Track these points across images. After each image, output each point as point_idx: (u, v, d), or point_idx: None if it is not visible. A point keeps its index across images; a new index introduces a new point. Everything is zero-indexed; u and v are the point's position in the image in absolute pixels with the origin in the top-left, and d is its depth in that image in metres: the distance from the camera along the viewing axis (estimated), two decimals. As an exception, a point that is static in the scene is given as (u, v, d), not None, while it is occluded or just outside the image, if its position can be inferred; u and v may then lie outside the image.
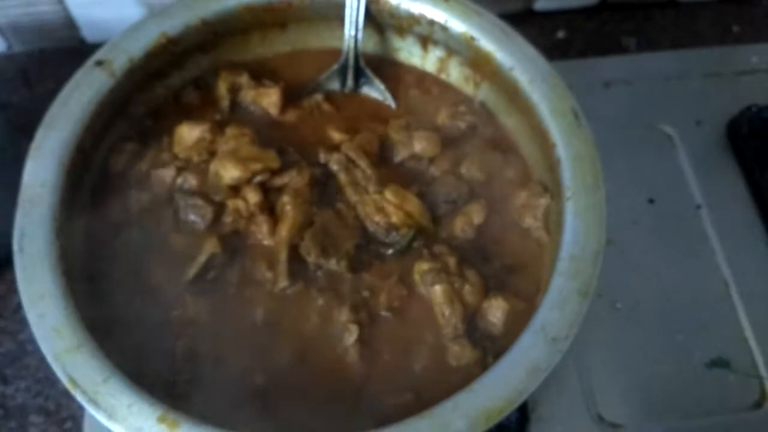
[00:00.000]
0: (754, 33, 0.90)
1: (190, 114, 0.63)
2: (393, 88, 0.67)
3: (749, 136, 0.76)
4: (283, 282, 0.56)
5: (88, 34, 0.86)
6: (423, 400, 0.50)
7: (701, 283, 0.70)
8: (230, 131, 0.60)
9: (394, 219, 0.58)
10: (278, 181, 0.59)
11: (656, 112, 0.79)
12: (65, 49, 0.86)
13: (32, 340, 0.68)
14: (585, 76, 0.80)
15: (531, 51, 0.61)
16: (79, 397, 0.47)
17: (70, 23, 0.84)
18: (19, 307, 0.70)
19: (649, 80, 0.82)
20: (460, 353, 0.54)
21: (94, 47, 0.60)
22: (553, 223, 0.58)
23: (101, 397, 0.46)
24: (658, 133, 0.78)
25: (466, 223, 0.59)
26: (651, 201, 0.74)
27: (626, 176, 0.73)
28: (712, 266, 0.71)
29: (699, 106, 0.80)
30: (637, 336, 0.67)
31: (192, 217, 0.58)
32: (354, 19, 0.64)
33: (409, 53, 0.68)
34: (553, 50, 0.62)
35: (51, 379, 0.68)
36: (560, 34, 0.90)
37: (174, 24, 0.61)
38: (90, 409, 0.46)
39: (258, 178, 0.59)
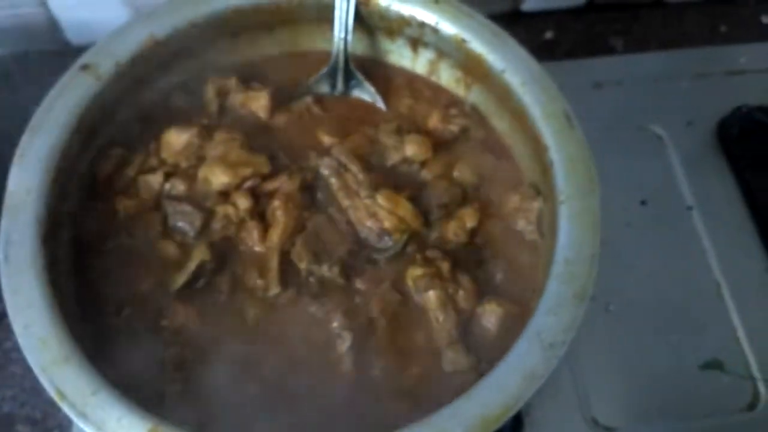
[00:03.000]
0: (742, 33, 0.91)
1: (178, 118, 0.62)
2: (383, 91, 0.66)
3: (739, 137, 0.77)
4: (274, 289, 0.55)
5: (72, 37, 0.85)
6: (418, 407, 0.49)
7: (694, 285, 0.70)
8: (219, 136, 0.60)
9: (387, 224, 0.57)
10: (268, 186, 0.59)
11: (646, 113, 0.79)
12: (49, 52, 0.85)
13: (18, 349, 0.67)
14: (574, 77, 0.80)
15: (522, 53, 0.61)
16: (68, 410, 0.46)
17: (53, 25, 0.83)
18: (3, 315, 0.69)
19: (639, 81, 0.82)
20: (455, 359, 0.54)
21: (79, 49, 0.59)
22: (547, 226, 0.58)
23: (90, 409, 0.46)
24: (648, 134, 0.78)
25: (459, 227, 0.59)
26: (643, 203, 0.74)
27: (618, 178, 0.72)
28: (704, 267, 0.71)
29: (689, 107, 0.80)
30: (631, 338, 0.68)
31: (181, 223, 0.57)
32: (343, 21, 0.63)
33: (400, 55, 0.68)
34: (541, 51, 0.62)
35: (37, 389, 0.66)
36: (548, 35, 0.90)
37: (161, 26, 0.60)
38: (79, 423, 0.46)
39: (248, 184, 0.58)
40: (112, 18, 0.78)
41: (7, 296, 0.49)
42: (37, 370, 0.47)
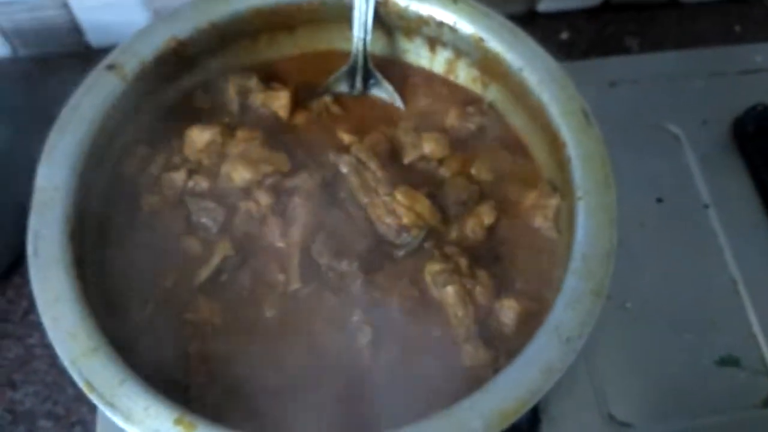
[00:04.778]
0: (757, 33, 0.91)
1: (200, 117, 0.63)
2: (401, 90, 0.67)
3: (755, 135, 0.77)
4: (295, 284, 0.56)
5: (93, 39, 0.86)
6: (437, 401, 0.49)
7: (710, 282, 0.71)
8: (241, 134, 0.61)
9: (405, 220, 0.58)
10: (289, 183, 0.59)
11: (662, 111, 0.80)
12: (70, 54, 0.86)
13: (41, 345, 0.69)
14: (590, 77, 0.80)
15: (540, 51, 0.61)
16: (96, 401, 0.47)
17: (75, 28, 0.84)
18: (27, 311, 0.70)
19: (654, 80, 0.82)
20: (473, 354, 0.54)
21: (99, 52, 0.60)
22: (564, 223, 0.58)
23: (118, 399, 0.46)
24: (664, 133, 0.79)
25: (476, 223, 0.59)
26: (659, 200, 0.75)
27: (633, 176, 0.72)
28: (721, 265, 0.71)
29: (704, 106, 0.80)
30: (647, 335, 0.68)
31: (204, 219, 0.58)
32: (363, 21, 0.64)
33: (417, 55, 0.68)
34: (557, 51, 0.62)
35: (60, 384, 0.68)
36: (563, 36, 0.91)
37: (183, 27, 0.61)
38: (107, 412, 0.46)
39: (269, 181, 0.59)
40: (133, 21, 0.80)
41: (36, 290, 0.50)
42: (66, 363, 0.48)
